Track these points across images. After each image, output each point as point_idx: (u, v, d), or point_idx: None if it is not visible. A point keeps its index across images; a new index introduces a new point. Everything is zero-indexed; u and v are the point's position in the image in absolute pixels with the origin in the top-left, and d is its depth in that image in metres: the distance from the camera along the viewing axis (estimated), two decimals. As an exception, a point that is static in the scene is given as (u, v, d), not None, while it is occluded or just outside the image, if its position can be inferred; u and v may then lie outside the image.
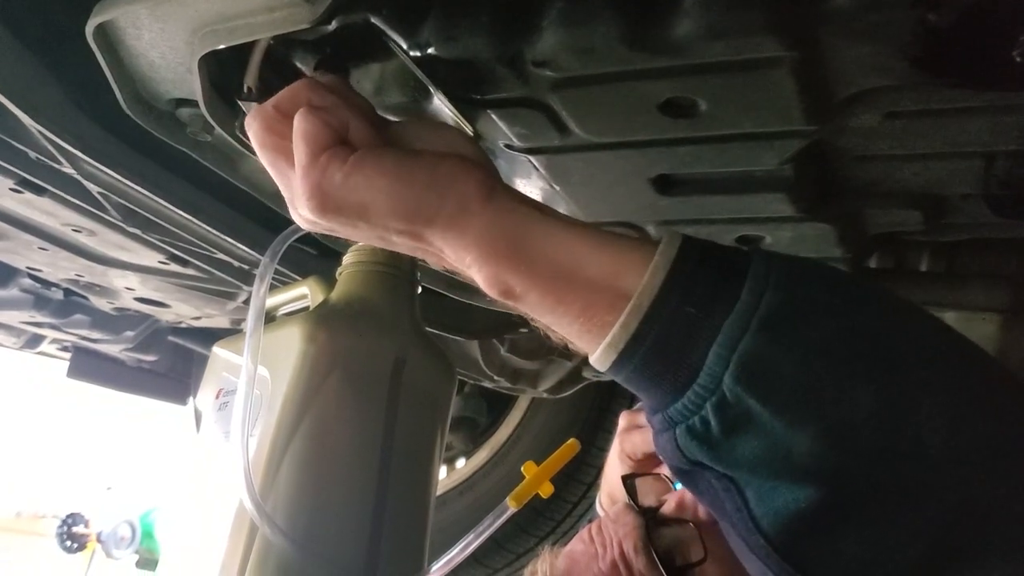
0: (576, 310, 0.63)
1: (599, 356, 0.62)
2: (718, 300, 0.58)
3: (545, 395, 2.10)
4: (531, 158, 0.87)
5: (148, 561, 9.86)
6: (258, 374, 1.10)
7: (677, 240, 0.61)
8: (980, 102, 0.74)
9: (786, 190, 0.87)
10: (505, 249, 0.65)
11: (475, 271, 0.66)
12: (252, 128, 0.73)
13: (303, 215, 0.71)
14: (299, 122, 0.69)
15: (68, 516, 10.14)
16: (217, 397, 1.21)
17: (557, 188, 0.94)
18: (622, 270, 0.62)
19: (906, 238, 1.07)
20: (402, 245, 0.70)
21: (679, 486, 1.05)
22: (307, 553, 0.97)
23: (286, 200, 0.73)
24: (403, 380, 1.12)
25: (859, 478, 0.54)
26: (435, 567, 1.04)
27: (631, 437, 1.19)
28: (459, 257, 0.66)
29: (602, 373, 0.63)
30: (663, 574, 0.91)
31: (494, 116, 0.80)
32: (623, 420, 1.22)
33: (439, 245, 0.67)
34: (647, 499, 1.05)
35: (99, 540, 9.91)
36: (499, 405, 2.41)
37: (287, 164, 0.71)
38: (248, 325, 1.00)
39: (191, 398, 2.68)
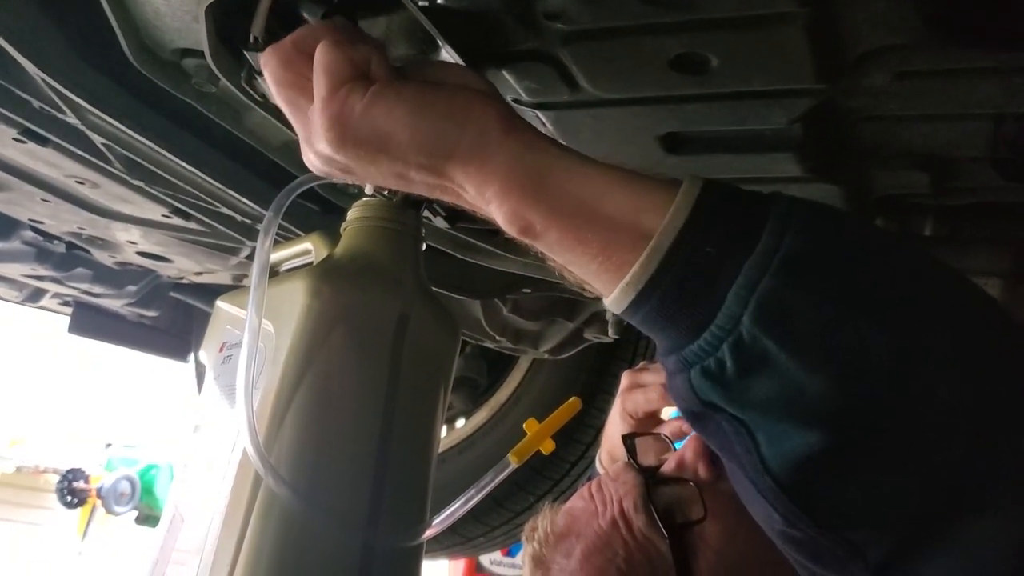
0: (595, 248, 0.63)
1: (616, 296, 0.62)
2: (739, 241, 0.58)
3: (546, 356, 2.11)
4: (539, 113, 0.86)
5: (148, 517, 9.95)
6: (262, 328, 1.10)
7: (699, 181, 0.61)
8: (991, 63, 0.74)
9: (794, 150, 0.87)
10: (527, 182, 0.64)
11: (495, 206, 0.66)
12: (269, 65, 0.73)
13: (320, 150, 0.71)
14: (321, 54, 0.69)
15: (69, 471, 10.21)
16: (221, 351, 1.21)
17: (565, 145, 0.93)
18: (643, 208, 0.62)
19: (911, 201, 1.07)
20: (421, 183, 0.70)
21: (679, 445, 1.06)
22: (310, 504, 0.98)
23: (301, 140, 0.73)
24: (407, 337, 1.12)
25: (870, 423, 0.55)
26: (436, 520, 1.05)
27: (633, 396, 1.20)
28: (480, 192, 0.66)
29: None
30: (663, 532, 0.92)
31: (503, 70, 0.79)
32: (625, 379, 1.22)
33: (460, 180, 0.67)
34: (647, 458, 1.06)
35: (99, 496, 9.99)
36: (499, 366, 2.42)
37: (305, 100, 0.71)
38: (252, 279, 1.00)
39: (192, 355, 2.69)
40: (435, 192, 0.71)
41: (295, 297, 1.07)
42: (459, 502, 1.03)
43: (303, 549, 0.99)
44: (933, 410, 0.54)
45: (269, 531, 0.98)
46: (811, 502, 0.57)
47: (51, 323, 2.68)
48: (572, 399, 1.10)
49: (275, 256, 1.28)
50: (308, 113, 0.71)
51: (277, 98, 0.74)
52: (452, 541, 2.35)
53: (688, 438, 1.03)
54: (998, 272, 1.14)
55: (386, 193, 1.16)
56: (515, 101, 0.85)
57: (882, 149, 0.91)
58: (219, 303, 1.27)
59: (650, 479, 0.98)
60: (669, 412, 1.22)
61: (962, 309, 0.59)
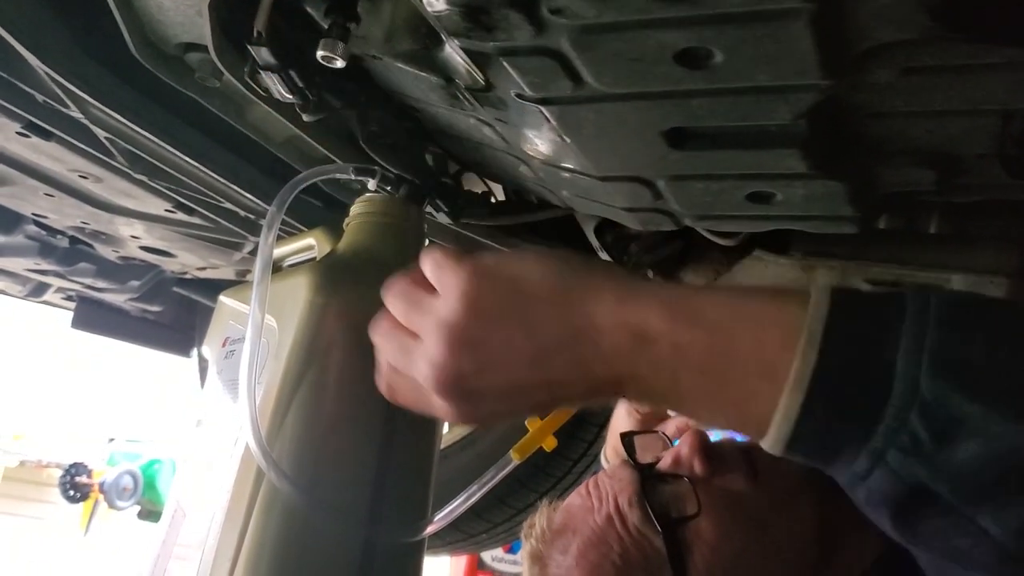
0: (746, 351, 0.61)
1: (785, 405, 0.58)
2: (887, 310, 0.57)
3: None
4: (543, 108, 0.86)
5: (150, 512, 9.98)
6: (265, 323, 1.10)
7: (826, 286, 0.60)
8: (1000, 58, 0.73)
9: (799, 146, 0.86)
10: (674, 304, 0.64)
11: (650, 338, 0.64)
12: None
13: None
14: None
15: (71, 466, 10.25)
16: (224, 345, 1.22)
17: (568, 140, 0.93)
18: (783, 302, 0.61)
19: (917, 199, 1.06)
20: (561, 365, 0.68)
21: (677, 443, 1.06)
22: (312, 500, 0.98)
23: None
24: (409, 332, 1.12)
25: None
26: (438, 516, 1.05)
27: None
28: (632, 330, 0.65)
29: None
30: (657, 527, 0.92)
31: (506, 64, 0.79)
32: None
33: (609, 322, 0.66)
34: (645, 456, 1.06)
35: (102, 490, 10.02)
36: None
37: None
38: (255, 274, 1.00)
39: (194, 350, 2.69)
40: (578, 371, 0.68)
41: (298, 292, 1.07)
42: (461, 498, 1.03)
43: (305, 544, 0.99)
44: None
45: (271, 526, 0.98)
46: None
47: (55, 318, 2.68)
48: None
49: (278, 251, 1.28)
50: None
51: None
52: (454, 537, 2.35)
53: (685, 434, 1.03)
54: (1004, 270, 1.14)
55: (389, 189, 1.16)
56: (518, 96, 0.85)
57: (887, 145, 0.91)
58: (222, 298, 1.27)
59: (646, 475, 0.99)
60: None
61: None
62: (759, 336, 0.61)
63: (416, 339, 0.72)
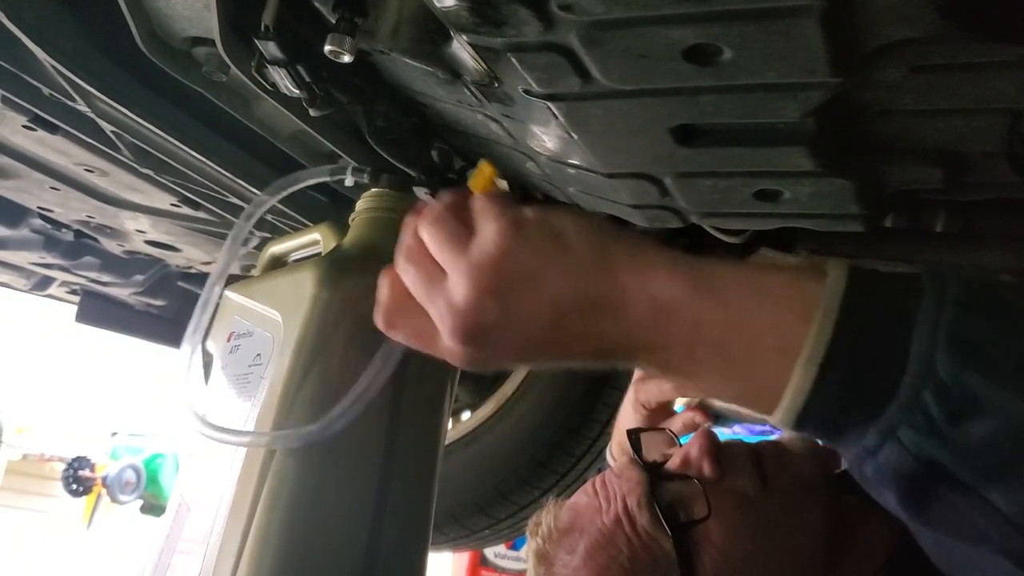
0: (766, 326, 0.61)
1: (799, 378, 0.58)
2: (905, 291, 0.57)
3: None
4: (550, 105, 0.86)
5: (153, 506, 9.98)
6: (270, 317, 1.11)
7: (843, 263, 0.61)
8: (1009, 56, 0.73)
9: (807, 144, 0.86)
10: (692, 274, 0.64)
11: (660, 305, 0.64)
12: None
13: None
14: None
15: (74, 460, 10.25)
16: (228, 340, 1.22)
17: (575, 136, 0.93)
18: (800, 279, 0.61)
19: (923, 197, 1.06)
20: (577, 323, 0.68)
21: (684, 441, 1.05)
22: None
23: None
24: (414, 328, 1.12)
25: None
26: (346, 400, 0.98)
27: (646, 386, 1.19)
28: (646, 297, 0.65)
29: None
30: (666, 530, 0.91)
31: (514, 60, 0.79)
32: (638, 370, 1.22)
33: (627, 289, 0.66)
34: (652, 454, 1.05)
35: (104, 484, 10.03)
36: (506, 359, 2.42)
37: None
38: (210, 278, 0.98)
39: (185, 341, 2.68)
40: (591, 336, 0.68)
41: (303, 287, 1.07)
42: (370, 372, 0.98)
43: (309, 540, 0.99)
44: None
45: (275, 521, 0.98)
46: None
47: (58, 312, 2.68)
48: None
49: (283, 246, 1.28)
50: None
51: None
52: (457, 534, 2.35)
53: (693, 434, 1.02)
54: (1011, 268, 1.13)
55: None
56: (525, 91, 0.85)
57: (895, 143, 0.91)
58: (227, 293, 1.27)
59: (654, 475, 0.98)
60: (681, 404, 1.21)
61: None
62: (777, 312, 0.61)
63: (443, 274, 0.70)
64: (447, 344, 0.70)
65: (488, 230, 0.69)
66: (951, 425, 0.53)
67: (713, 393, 0.65)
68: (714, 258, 0.66)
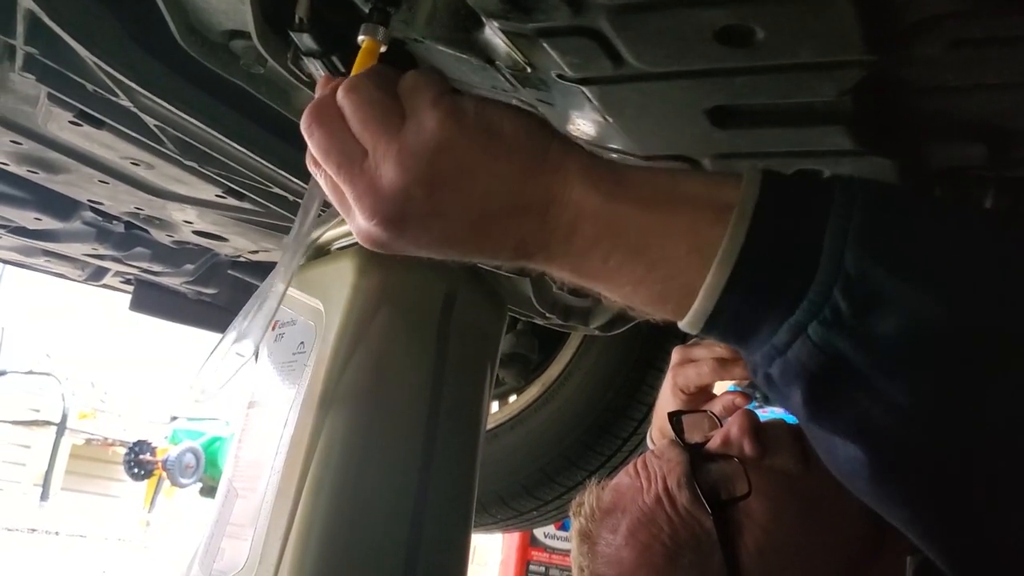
0: (683, 227, 0.61)
1: (713, 278, 0.59)
2: (817, 195, 0.58)
3: (597, 332, 2.10)
4: (584, 89, 0.86)
5: (212, 489, 10.18)
6: (311, 306, 1.12)
7: (757, 169, 0.61)
8: (1051, 29, 0.71)
9: (845, 123, 0.85)
10: (611, 177, 0.64)
11: (579, 209, 0.64)
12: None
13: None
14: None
15: (135, 444, 10.50)
16: (273, 328, 1.23)
17: (610, 120, 0.92)
18: (716, 185, 0.62)
19: (970, 174, 1.04)
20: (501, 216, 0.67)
21: (725, 423, 1.05)
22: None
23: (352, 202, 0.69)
24: (453, 315, 1.13)
25: (1010, 335, 0.54)
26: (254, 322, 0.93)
27: (684, 370, 1.19)
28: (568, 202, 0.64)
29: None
30: (707, 508, 0.91)
31: (546, 45, 0.79)
32: (676, 354, 1.22)
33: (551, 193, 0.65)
34: (693, 436, 1.05)
35: (165, 468, 10.26)
36: (551, 342, 2.42)
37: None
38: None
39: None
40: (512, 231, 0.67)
41: (344, 276, 1.09)
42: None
43: (354, 526, 1.01)
44: None
45: (320, 507, 1.00)
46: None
47: (116, 301, 2.74)
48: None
49: (325, 236, 1.30)
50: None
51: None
52: (505, 515, 2.37)
53: (734, 415, 1.02)
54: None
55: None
56: (559, 76, 0.85)
57: (937, 121, 0.89)
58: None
59: (695, 456, 0.98)
60: (721, 387, 1.21)
61: None
62: (693, 216, 0.61)
63: (364, 152, 0.66)
64: (360, 223, 0.68)
65: (426, 117, 0.66)
66: (858, 319, 0.54)
67: (626, 299, 0.64)
68: (625, 163, 0.65)
